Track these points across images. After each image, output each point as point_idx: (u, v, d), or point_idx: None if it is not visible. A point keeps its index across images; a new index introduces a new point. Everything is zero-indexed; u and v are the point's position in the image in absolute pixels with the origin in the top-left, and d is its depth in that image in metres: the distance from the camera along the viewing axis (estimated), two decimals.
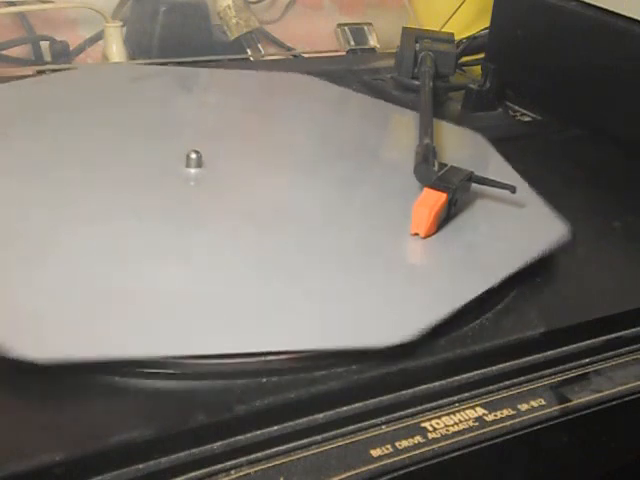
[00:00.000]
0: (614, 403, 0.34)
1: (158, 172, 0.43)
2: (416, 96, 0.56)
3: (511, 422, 0.32)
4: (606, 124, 0.55)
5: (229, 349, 0.30)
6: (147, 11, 0.72)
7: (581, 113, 0.57)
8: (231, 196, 0.42)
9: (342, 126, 0.53)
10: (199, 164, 0.43)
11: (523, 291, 0.37)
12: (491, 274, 0.36)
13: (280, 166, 0.46)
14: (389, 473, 0.29)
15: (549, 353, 0.35)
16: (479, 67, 0.65)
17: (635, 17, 0.53)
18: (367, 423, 0.31)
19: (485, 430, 0.31)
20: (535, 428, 0.32)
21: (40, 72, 0.66)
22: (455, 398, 0.33)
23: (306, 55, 0.77)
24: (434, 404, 0.32)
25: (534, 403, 0.33)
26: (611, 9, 0.54)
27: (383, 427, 0.31)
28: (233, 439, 0.29)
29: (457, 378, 0.33)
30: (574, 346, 0.36)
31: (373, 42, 0.78)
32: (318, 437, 0.30)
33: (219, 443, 0.29)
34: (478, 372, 0.34)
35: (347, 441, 0.30)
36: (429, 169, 0.41)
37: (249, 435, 0.29)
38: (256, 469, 0.28)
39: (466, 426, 0.31)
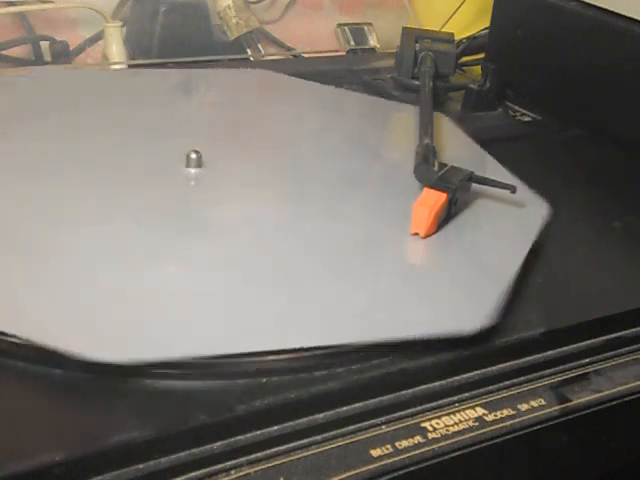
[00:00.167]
0: (614, 403, 0.34)
1: (158, 172, 0.43)
2: (416, 96, 0.56)
3: (511, 422, 0.32)
4: (606, 124, 0.55)
5: (275, 345, 0.31)
6: (147, 11, 0.72)
7: (581, 113, 0.57)
8: (231, 196, 0.42)
9: (341, 125, 0.53)
10: (199, 164, 0.43)
11: (523, 291, 0.37)
12: (491, 274, 0.36)
13: (280, 166, 0.46)
14: (389, 473, 0.29)
15: (549, 353, 0.35)
16: (479, 67, 0.65)
17: (635, 17, 0.53)
18: (367, 423, 0.31)
19: (485, 430, 0.31)
20: (535, 428, 0.32)
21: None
22: (455, 398, 0.33)
23: (306, 55, 0.77)
24: (434, 404, 0.32)
25: (534, 403, 0.33)
26: (611, 9, 0.54)
27: (383, 427, 0.31)
28: (233, 439, 0.29)
29: (457, 378, 0.33)
30: (574, 346, 0.36)
31: (373, 42, 0.78)
32: (318, 437, 0.30)
33: (219, 443, 0.29)
34: (478, 372, 0.34)
35: (347, 441, 0.30)
36: (429, 169, 0.41)
37: (249, 435, 0.29)
38: (256, 469, 0.28)
39: (466, 426, 0.31)
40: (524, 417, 0.32)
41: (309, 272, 0.36)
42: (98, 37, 0.72)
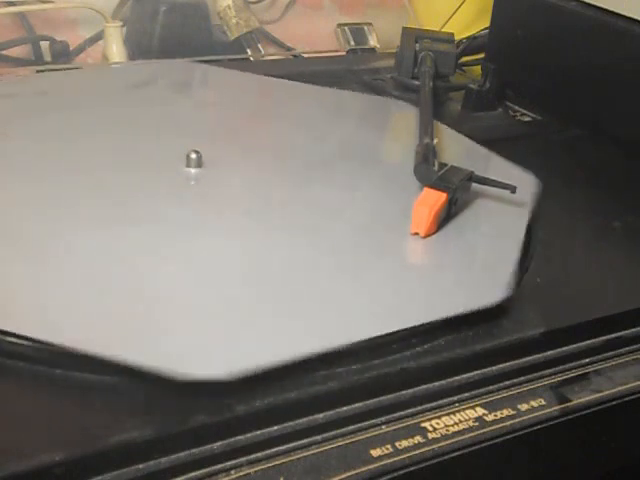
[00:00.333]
0: (614, 403, 0.34)
1: (158, 172, 0.43)
2: (416, 96, 0.56)
3: (511, 422, 0.32)
4: (606, 124, 0.55)
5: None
6: (147, 11, 0.72)
7: (581, 113, 0.57)
8: (231, 196, 0.42)
9: (341, 125, 0.53)
10: (199, 164, 0.43)
11: (523, 291, 0.37)
12: (491, 273, 0.36)
13: (280, 165, 0.46)
14: (389, 473, 0.29)
15: (549, 353, 0.35)
16: (479, 67, 0.65)
17: (635, 17, 0.53)
18: (367, 423, 0.31)
19: (485, 430, 0.31)
20: (535, 428, 0.32)
21: (40, 72, 0.66)
22: (455, 398, 0.33)
23: (306, 55, 0.77)
24: (434, 404, 0.32)
25: (534, 403, 0.33)
26: (611, 9, 0.54)
27: (383, 427, 0.31)
28: (233, 439, 0.29)
29: (457, 378, 0.33)
30: (574, 346, 0.36)
31: (373, 42, 0.78)
32: (318, 437, 0.30)
33: (219, 443, 0.29)
34: (478, 372, 0.34)
35: (347, 441, 0.30)
36: (429, 169, 0.41)
37: (249, 435, 0.29)
38: (256, 469, 0.28)
39: (466, 426, 0.31)
40: (524, 417, 0.32)
41: (309, 272, 0.36)
42: (98, 37, 0.72)
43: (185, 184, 0.43)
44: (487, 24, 0.65)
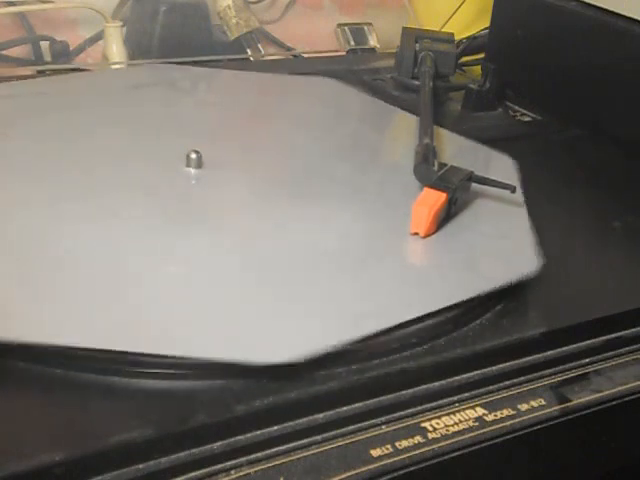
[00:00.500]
0: (614, 403, 0.34)
1: (158, 172, 0.43)
2: (416, 96, 0.56)
3: (511, 422, 0.32)
4: (606, 124, 0.55)
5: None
6: (147, 11, 0.72)
7: (581, 113, 0.57)
8: (231, 196, 0.42)
9: (341, 125, 0.53)
10: (199, 164, 0.43)
11: (523, 291, 0.37)
12: (491, 274, 0.36)
13: (280, 165, 0.46)
14: (389, 473, 0.29)
15: (549, 353, 0.35)
16: (479, 67, 0.65)
17: (635, 17, 0.53)
18: (367, 423, 0.31)
19: (485, 430, 0.31)
20: (535, 428, 0.32)
21: (40, 72, 0.66)
22: (455, 398, 0.33)
23: (306, 55, 0.77)
24: (434, 404, 0.32)
25: (534, 403, 0.33)
26: (611, 9, 0.54)
27: (383, 427, 0.31)
28: (233, 439, 0.29)
29: (457, 378, 0.33)
30: (574, 346, 0.36)
31: (373, 42, 0.78)
32: (318, 437, 0.30)
33: (219, 443, 0.29)
34: (478, 372, 0.34)
35: (347, 441, 0.30)
36: (429, 169, 0.41)
37: (249, 435, 0.29)
38: (256, 469, 0.28)
39: (466, 426, 0.31)
40: (524, 417, 0.32)
41: (309, 271, 0.36)
42: (98, 37, 0.72)
43: (185, 184, 0.43)
44: (487, 24, 0.65)
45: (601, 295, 0.39)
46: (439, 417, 0.32)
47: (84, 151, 0.45)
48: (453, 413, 0.32)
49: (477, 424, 0.32)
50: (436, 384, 0.33)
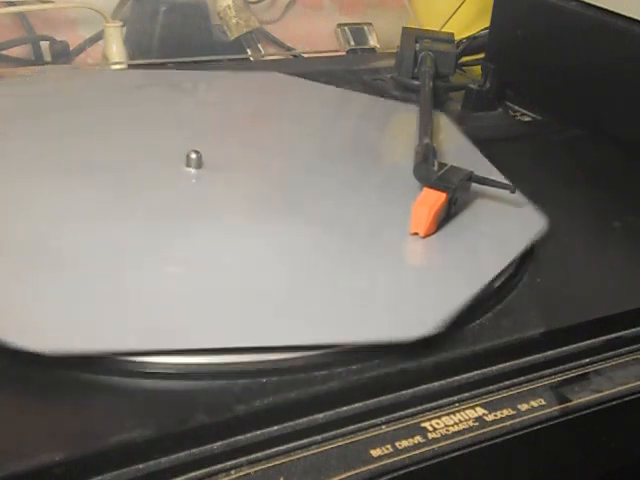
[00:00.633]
0: (614, 403, 0.34)
1: (158, 172, 0.43)
2: (416, 96, 0.56)
3: (511, 422, 0.32)
4: (606, 124, 0.55)
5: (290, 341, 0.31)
6: (147, 11, 0.72)
7: (581, 113, 0.57)
8: (231, 196, 0.42)
9: (342, 125, 0.53)
10: (199, 164, 0.43)
11: (523, 291, 0.37)
12: (490, 274, 0.36)
13: (280, 165, 0.46)
14: (389, 473, 0.29)
15: (549, 353, 0.35)
16: (479, 67, 0.65)
17: (635, 17, 0.53)
18: (367, 423, 0.31)
19: (485, 430, 0.31)
20: (535, 428, 0.32)
21: (40, 72, 0.66)
22: (455, 398, 0.33)
23: (306, 55, 0.77)
24: (434, 404, 0.32)
25: (534, 403, 0.33)
26: (611, 9, 0.54)
27: (383, 427, 0.31)
28: (233, 439, 0.29)
29: (457, 378, 0.33)
30: (574, 346, 0.36)
31: (373, 42, 0.78)
32: (318, 437, 0.30)
33: (219, 443, 0.29)
34: (478, 372, 0.34)
35: (347, 441, 0.30)
36: (429, 169, 0.41)
37: (249, 435, 0.29)
38: (256, 469, 0.28)
39: (466, 426, 0.31)
40: (524, 417, 0.32)
41: (309, 271, 0.36)
42: (98, 37, 0.72)
43: (185, 184, 0.43)
44: (487, 24, 0.65)
45: (601, 295, 0.39)
46: (439, 417, 0.32)
47: (84, 151, 0.45)
48: (453, 413, 0.32)
49: (477, 424, 0.32)
50: (436, 384, 0.33)
